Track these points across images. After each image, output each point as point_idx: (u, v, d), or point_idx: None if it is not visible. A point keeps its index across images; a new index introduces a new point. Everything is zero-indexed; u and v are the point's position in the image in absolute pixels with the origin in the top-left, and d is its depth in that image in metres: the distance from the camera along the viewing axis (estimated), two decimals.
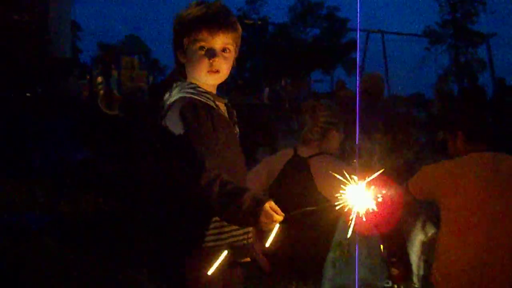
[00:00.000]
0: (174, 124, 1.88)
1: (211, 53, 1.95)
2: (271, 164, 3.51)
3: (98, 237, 4.66)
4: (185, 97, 1.94)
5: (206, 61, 1.95)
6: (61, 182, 5.93)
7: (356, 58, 43.00)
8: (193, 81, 2.01)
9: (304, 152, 3.42)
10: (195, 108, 1.90)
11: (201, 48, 1.95)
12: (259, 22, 30.37)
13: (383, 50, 15.78)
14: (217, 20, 1.95)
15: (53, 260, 4.21)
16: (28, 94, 7.93)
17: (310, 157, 3.37)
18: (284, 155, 3.49)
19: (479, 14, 37.42)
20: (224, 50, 1.98)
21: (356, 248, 3.00)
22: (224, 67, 1.99)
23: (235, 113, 2.12)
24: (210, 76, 1.98)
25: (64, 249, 4.42)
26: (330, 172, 3.15)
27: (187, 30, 1.96)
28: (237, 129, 2.11)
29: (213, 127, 1.91)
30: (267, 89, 18.00)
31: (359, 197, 1.76)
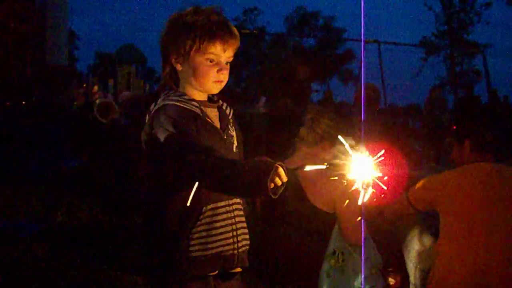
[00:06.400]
0: (160, 128, 1.87)
1: (219, 66, 1.98)
2: None
3: (91, 245, 4.64)
4: (169, 104, 1.94)
5: (214, 72, 1.98)
6: (56, 189, 5.92)
7: (351, 68, 43.09)
8: (188, 87, 2.01)
9: (291, 163, 3.29)
10: (178, 113, 1.90)
11: (210, 60, 1.97)
12: (256, 32, 30.43)
13: (379, 60, 15.80)
14: (230, 34, 1.97)
15: (44, 268, 4.18)
16: (23, 103, 7.95)
17: (297, 168, 3.25)
18: None
19: (474, 25, 37.57)
20: (227, 62, 2.01)
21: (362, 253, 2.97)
22: (227, 78, 2.03)
23: (232, 113, 2.12)
24: (215, 85, 2.01)
25: (55, 257, 4.39)
26: (319, 181, 3.13)
27: (196, 39, 1.94)
28: (233, 131, 2.10)
29: (197, 132, 1.91)
30: (263, 98, 17.98)
31: (364, 168, 1.78)
